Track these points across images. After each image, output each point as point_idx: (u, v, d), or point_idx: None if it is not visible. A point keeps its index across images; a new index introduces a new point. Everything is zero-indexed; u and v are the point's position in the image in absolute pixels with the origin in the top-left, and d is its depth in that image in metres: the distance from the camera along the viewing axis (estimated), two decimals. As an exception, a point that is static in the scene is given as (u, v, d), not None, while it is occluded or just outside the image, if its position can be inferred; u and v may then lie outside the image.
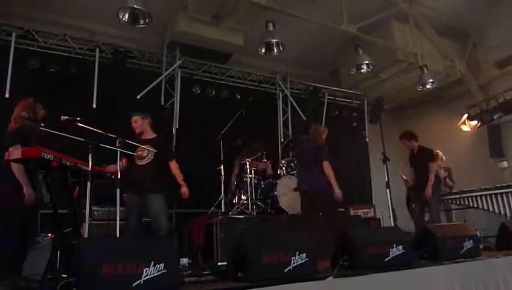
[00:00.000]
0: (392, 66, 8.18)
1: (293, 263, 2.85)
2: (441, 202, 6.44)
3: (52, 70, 6.41)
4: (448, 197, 6.77)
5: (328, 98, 9.16)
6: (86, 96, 6.44)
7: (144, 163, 4.47)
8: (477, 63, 8.77)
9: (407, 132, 6.26)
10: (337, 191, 5.03)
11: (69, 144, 3.44)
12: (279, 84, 8.67)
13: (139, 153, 4.45)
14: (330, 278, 2.80)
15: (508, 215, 6.03)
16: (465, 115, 8.75)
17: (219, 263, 4.75)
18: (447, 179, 7.24)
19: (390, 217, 5.33)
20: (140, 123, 4.66)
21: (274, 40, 5.93)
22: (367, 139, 7.71)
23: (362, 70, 7.09)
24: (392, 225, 5.27)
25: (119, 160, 3.99)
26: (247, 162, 6.02)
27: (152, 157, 4.46)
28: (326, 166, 4.99)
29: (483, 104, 8.48)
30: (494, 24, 8.20)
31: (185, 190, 4.58)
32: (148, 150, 4.44)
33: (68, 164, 3.17)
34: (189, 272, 3.46)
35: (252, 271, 2.73)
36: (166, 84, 7.32)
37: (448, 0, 7.61)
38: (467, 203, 6.56)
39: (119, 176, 3.88)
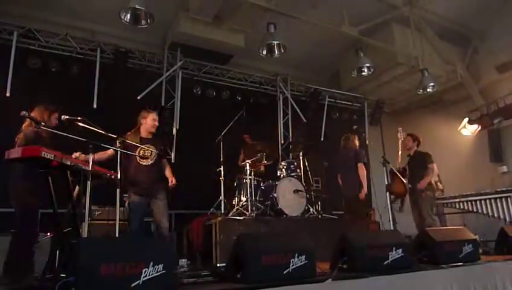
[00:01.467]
0: (393, 69, 8.19)
1: (292, 265, 2.85)
2: (434, 206, 6.41)
3: (53, 69, 6.42)
4: (448, 201, 6.76)
5: (328, 101, 9.17)
6: (86, 96, 6.45)
7: (149, 163, 4.38)
8: (477, 68, 8.78)
9: (414, 133, 6.26)
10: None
11: (70, 143, 3.45)
12: (279, 86, 8.67)
13: (141, 152, 4.36)
14: (329, 280, 2.80)
15: (508, 219, 6.02)
16: (466, 119, 8.74)
17: (218, 264, 4.75)
18: (438, 183, 7.25)
19: (389, 220, 5.33)
20: (157, 123, 4.65)
21: (275, 42, 5.93)
22: (367, 142, 7.71)
23: (363, 73, 7.09)
24: (392, 228, 5.26)
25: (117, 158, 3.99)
26: (247, 164, 6.02)
27: (155, 158, 4.42)
28: (361, 168, 5.79)
29: (484, 108, 8.47)
30: (495, 29, 8.22)
31: (172, 178, 4.51)
32: (151, 151, 4.40)
33: (68, 163, 3.17)
34: (188, 273, 3.46)
35: (250, 273, 2.73)
36: (167, 84, 7.32)
37: (449, 5, 7.63)
38: (466, 207, 6.56)
39: (119, 176, 3.88)
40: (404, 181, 5.80)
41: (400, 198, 5.97)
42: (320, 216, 6.28)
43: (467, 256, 3.77)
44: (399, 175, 5.72)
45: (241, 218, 5.46)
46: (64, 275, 2.29)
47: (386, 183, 5.26)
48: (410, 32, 7.73)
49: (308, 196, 6.19)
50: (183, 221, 6.37)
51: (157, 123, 4.59)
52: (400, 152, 6.14)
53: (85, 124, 3.68)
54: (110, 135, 3.93)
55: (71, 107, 4.18)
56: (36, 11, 6.57)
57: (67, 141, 3.46)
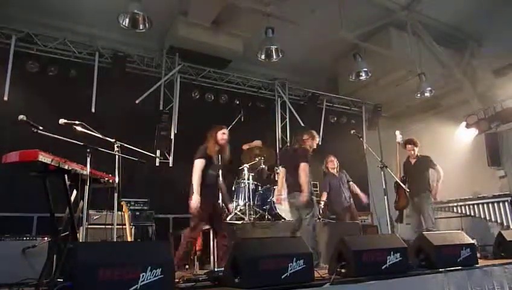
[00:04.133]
0: (391, 73, 8.22)
1: (291, 270, 2.84)
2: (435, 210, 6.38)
3: (51, 73, 6.42)
4: (446, 205, 6.77)
5: (326, 105, 9.20)
6: (84, 100, 6.44)
7: None
8: (474, 72, 8.80)
9: (413, 139, 6.15)
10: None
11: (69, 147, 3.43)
12: (277, 91, 8.70)
13: None
14: (327, 285, 2.80)
15: (505, 223, 6.03)
16: (463, 123, 8.77)
17: (216, 269, 4.72)
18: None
19: (387, 224, 5.33)
20: None
21: (273, 47, 5.95)
22: (365, 146, 7.73)
23: (361, 78, 7.11)
24: (390, 232, 5.27)
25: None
26: (245, 168, 6.01)
27: None
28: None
29: (481, 112, 8.51)
30: (492, 33, 8.25)
31: None
32: None
33: (66, 167, 3.15)
34: (186, 277, 3.44)
35: (249, 277, 2.72)
36: (166, 89, 7.33)
37: (447, 9, 7.66)
38: (464, 211, 6.57)
39: (116, 180, 3.86)
40: (407, 192, 5.70)
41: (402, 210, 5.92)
42: (318, 220, 6.26)
43: (465, 260, 3.77)
44: (404, 187, 5.62)
45: (239, 222, 5.44)
46: (61, 280, 2.28)
47: (384, 187, 5.24)
48: (407, 37, 7.76)
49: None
50: (181, 225, 6.34)
51: None
52: (398, 158, 6.08)
53: (83, 128, 3.67)
54: (108, 139, 3.92)
55: (69, 111, 4.18)
56: (34, 15, 6.57)
57: (65, 145, 3.45)
